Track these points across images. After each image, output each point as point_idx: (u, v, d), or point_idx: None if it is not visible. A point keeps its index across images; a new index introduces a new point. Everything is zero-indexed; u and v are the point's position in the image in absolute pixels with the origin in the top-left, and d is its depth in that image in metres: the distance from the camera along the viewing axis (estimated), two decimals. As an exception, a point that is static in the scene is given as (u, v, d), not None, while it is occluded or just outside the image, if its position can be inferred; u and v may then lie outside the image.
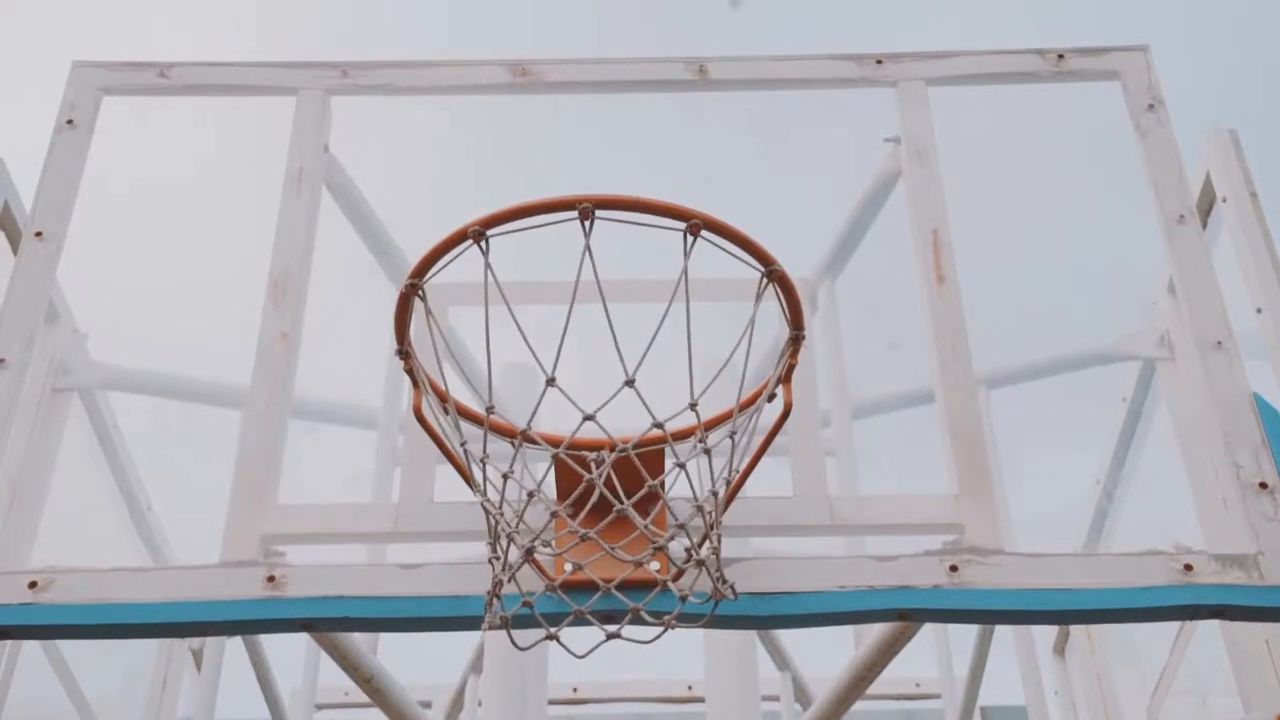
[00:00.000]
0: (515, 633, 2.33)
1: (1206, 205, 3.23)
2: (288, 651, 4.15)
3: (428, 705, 4.48)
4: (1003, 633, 3.87)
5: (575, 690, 5.03)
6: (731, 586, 2.40)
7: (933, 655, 4.15)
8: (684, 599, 2.36)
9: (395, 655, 3.54)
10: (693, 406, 2.37)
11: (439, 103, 3.40)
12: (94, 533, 3.82)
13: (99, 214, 3.28)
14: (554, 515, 2.40)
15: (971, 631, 3.95)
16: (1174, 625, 3.61)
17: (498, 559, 2.36)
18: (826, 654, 4.05)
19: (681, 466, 2.38)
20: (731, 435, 2.44)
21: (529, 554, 2.35)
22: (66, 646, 3.57)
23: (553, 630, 2.32)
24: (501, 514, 2.36)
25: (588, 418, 2.34)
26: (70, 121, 3.10)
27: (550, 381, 2.35)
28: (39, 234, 2.96)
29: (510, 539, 2.36)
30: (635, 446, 2.41)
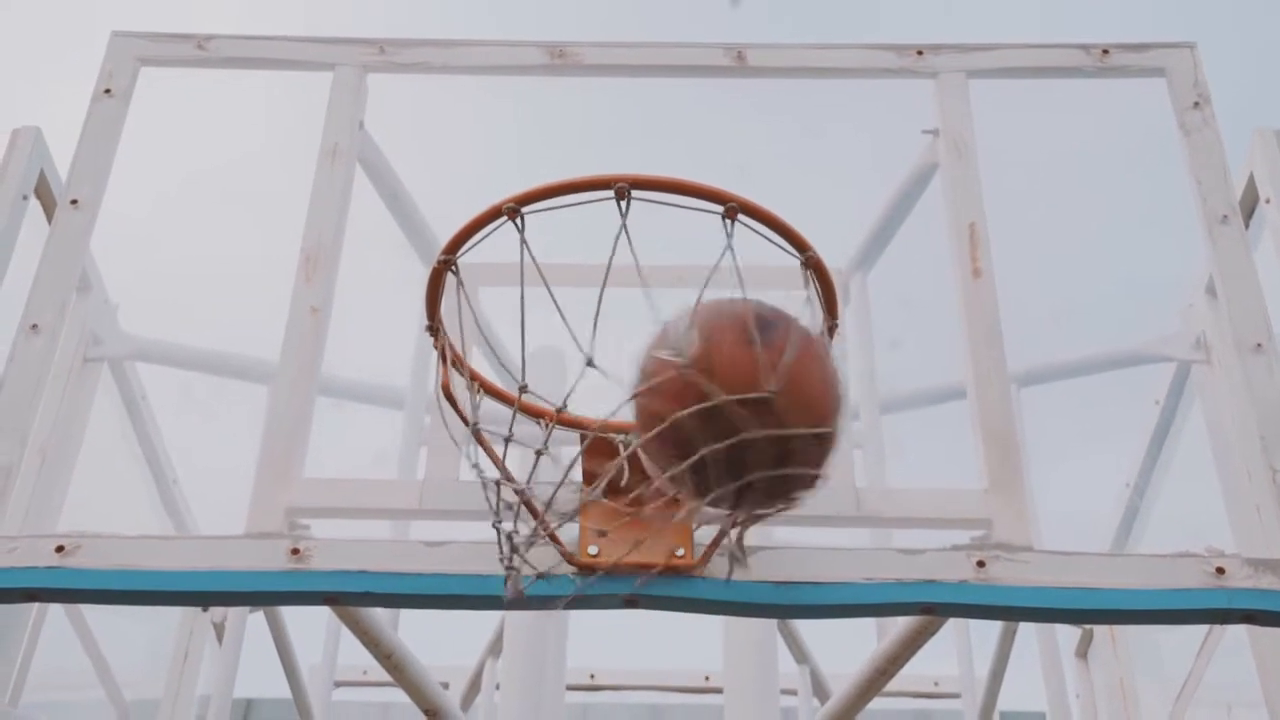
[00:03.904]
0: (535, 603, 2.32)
1: (1249, 207, 3.18)
2: (308, 628, 4.17)
3: (445, 686, 4.48)
4: (1024, 634, 3.84)
5: (592, 677, 5.03)
6: (744, 552, 2.34)
7: (952, 654, 4.13)
8: (734, 571, 2.33)
9: (414, 636, 3.54)
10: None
11: (475, 83, 3.39)
12: (120, 502, 3.84)
13: (133, 186, 3.29)
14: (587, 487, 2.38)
15: (992, 631, 3.93)
16: (1199, 631, 3.56)
17: (503, 528, 2.34)
18: (846, 650, 4.03)
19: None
20: None
21: (549, 533, 2.34)
22: (91, 617, 3.59)
23: (569, 596, 2.31)
24: (529, 487, 2.34)
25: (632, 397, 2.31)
26: (108, 91, 3.11)
27: (590, 363, 2.32)
28: (74, 202, 2.97)
29: (522, 507, 2.33)
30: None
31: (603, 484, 2.40)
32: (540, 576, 2.32)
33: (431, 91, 3.43)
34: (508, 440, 2.38)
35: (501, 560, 2.32)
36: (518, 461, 2.56)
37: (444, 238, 2.51)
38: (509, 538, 2.31)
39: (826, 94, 3.41)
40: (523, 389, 2.40)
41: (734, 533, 2.37)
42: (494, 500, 2.34)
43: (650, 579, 2.39)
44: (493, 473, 2.36)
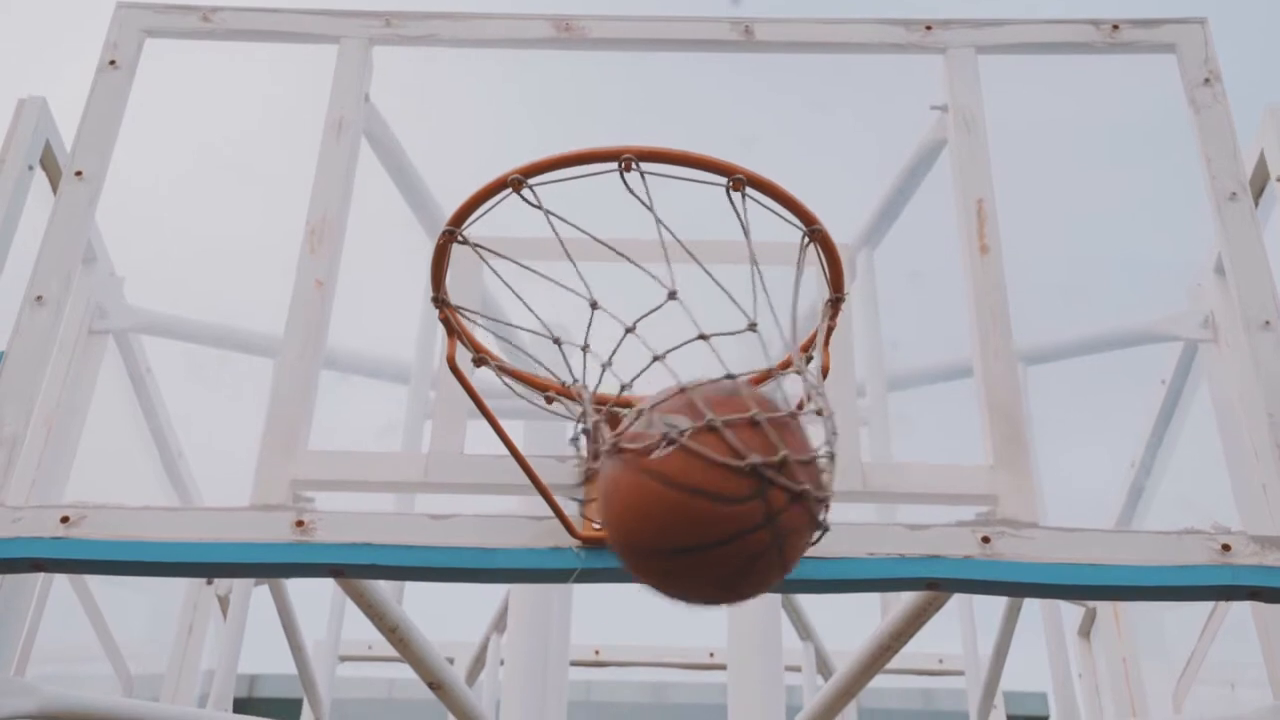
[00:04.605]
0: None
1: (1259, 185, 3.17)
2: (312, 603, 4.17)
3: (450, 662, 4.49)
4: (1028, 614, 3.84)
5: (597, 653, 5.04)
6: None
7: (956, 632, 4.13)
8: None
9: (418, 611, 3.55)
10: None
11: (481, 56, 3.38)
12: (125, 475, 3.84)
13: (138, 160, 3.28)
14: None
15: (996, 610, 3.92)
16: (1203, 610, 3.56)
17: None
18: (849, 627, 4.04)
19: None
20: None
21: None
22: (96, 591, 3.60)
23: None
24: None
25: (583, 348, 2.30)
26: (113, 62, 3.10)
27: (630, 329, 2.29)
28: (79, 173, 2.96)
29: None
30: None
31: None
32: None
33: (437, 65, 3.41)
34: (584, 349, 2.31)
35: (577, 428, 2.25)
36: (521, 434, 2.56)
37: (449, 211, 2.50)
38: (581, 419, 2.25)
39: (834, 69, 3.39)
40: (594, 304, 2.33)
41: None
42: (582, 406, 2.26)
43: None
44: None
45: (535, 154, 2.44)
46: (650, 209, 2.25)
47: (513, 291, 2.36)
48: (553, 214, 2.30)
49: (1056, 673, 3.68)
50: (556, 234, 2.28)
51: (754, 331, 2.25)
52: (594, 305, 2.30)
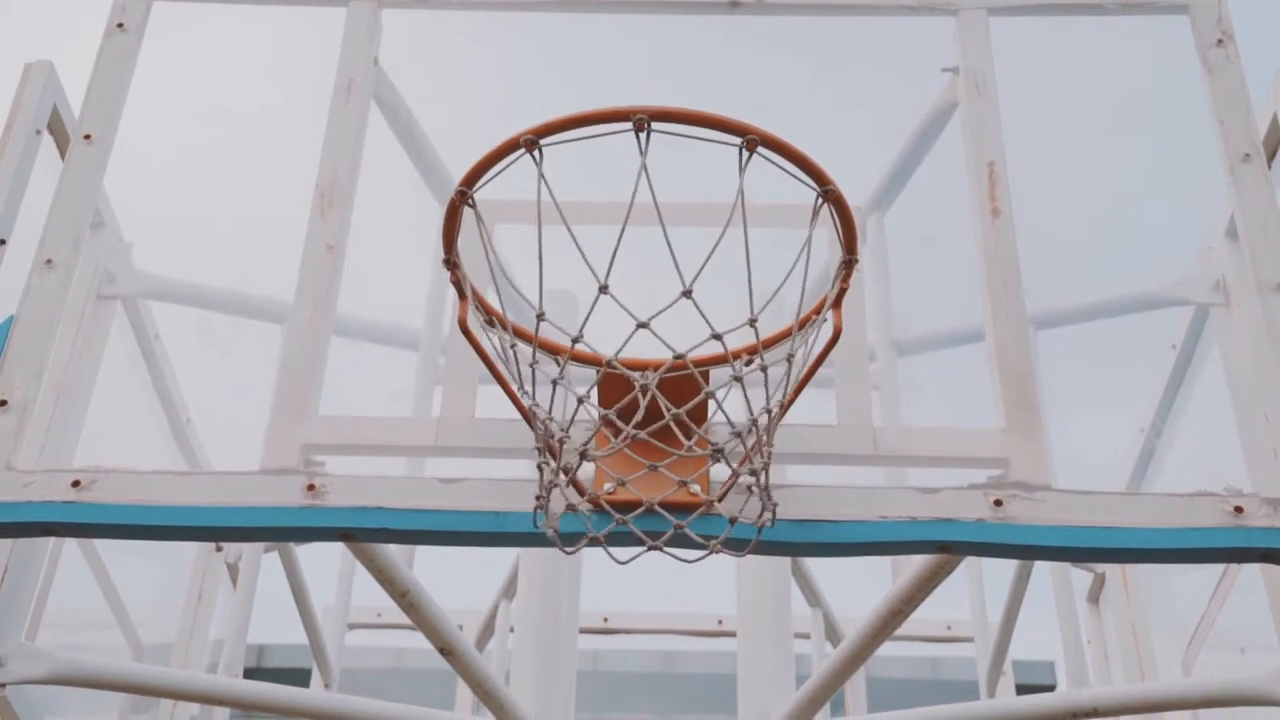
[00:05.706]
0: (559, 540, 2.33)
1: (1272, 146, 3.15)
2: (322, 572, 4.18)
3: (459, 629, 4.50)
4: (1035, 582, 3.84)
5: (606, 620, 5.06)
6: (774, 509, 2.37)
7: (964, 600, 4.14)
8: (733, 521, 2.35)
9: (427, 577, 3.56)
10: (752, 323, 2.34)
11: (491, 20, 3.35)
12: (134, 441, 3.85)
13: (146, 125, 3.27)
14: (604, 420, 2.38)
15: (1005, 576, 3.93)
16: (1212, 574, 3.56)
17: (549, 465, 2.34)
18: (858, 594, 4.04)
19: (739, 380, 2.35)
20: (763, 366, 2.41)
21: (583, 458, 2.35)
22: (106, 556, 3.61)
23: (596, 534, 2.31)
24: (551, 418, 2.34)
25: (642, 325, 2.31)
26: (120, 25, 3.08)
27: (604, 289, 2.30)
28: (88, 136, 2.95)
29: (561, 444, 2.34)
30: (682, 364, 2.38)
31: (616, 410, 2.39)
32: (571, 508, 2.33)
33: (447, 29, 3.39)
34: (533, 367, 2.37)
35: (539, 496, 2.32)
36: (562, 401, 2.55)
37: (457, 174, 2.49)
38: (552, 473, 2.31)
39: (845, 32, 3.37)
40: (540, 316, 2.37)
41: (757, 476, 2.38)
42: (541, 433, 2.32)
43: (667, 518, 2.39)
44: (544, 405, 2.35)
45: (542, 117, 2.42)
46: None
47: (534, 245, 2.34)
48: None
49: (1066, 638, 3.68)
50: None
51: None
52: (604, 289, 2.30)
